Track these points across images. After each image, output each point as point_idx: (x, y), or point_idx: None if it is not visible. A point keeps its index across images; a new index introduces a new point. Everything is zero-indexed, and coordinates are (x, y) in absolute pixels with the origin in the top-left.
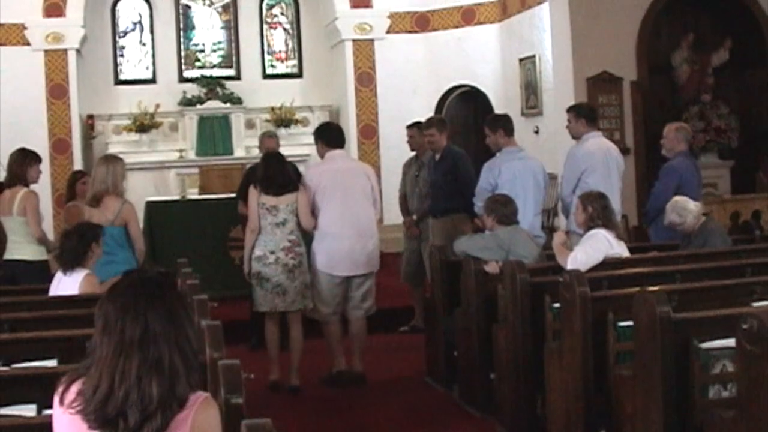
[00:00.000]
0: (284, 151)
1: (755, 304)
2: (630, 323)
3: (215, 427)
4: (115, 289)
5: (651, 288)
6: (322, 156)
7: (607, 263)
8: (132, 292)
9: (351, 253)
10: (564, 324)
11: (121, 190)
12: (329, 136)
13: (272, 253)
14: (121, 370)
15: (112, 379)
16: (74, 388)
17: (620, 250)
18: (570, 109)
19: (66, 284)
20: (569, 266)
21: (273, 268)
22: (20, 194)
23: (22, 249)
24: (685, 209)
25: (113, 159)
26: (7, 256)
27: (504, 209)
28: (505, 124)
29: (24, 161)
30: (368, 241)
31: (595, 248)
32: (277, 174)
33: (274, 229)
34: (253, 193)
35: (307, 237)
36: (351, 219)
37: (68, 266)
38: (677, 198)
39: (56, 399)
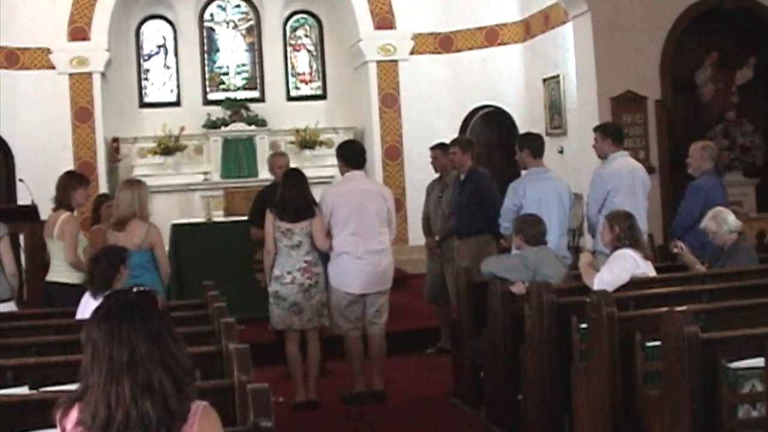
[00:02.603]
0: (308, 173)
1: None
2: (658, 343)
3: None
4: (98, 314)
5: (678, 308)
6: (342, 174)
7: (634, 283)
8: (115, 316)
9: (363, 271)
10: (591, 344)
11: (147, 214)
12: (349, 155)
13: (289, 273)
14: (115, 395)
15: (108, 404)
16: (72, 415)
17: (647, 269)
18: (596, 129)
19: (94, 307)
20: (596, 286)
21: (290, 288)
22: (61, 219)
23: (61, 272)
24: (725, 220)
25: (137, 183)
26: (48, 278)
27: (532, 229)
28: (532, 144)
29: (68, 185)
30: (381, 260)
31: (622, 268)
32: (293, 199)
33: (290, 251)
34: (269, 216)
35: (324, 256)
36: (364, 239)
37: (98, 290)
38: (721, 208)
39: (58, 426)
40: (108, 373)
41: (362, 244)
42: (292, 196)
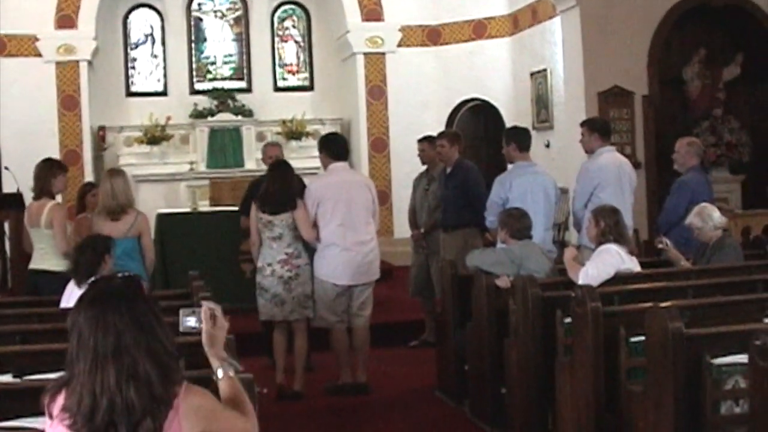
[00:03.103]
0: (294, 163)
1: (767, 320)
2: (642, 339)
3: (205, 405)
4: (83, 301)
5: (663, 303)
6: (325, 166)
7: (619, 278)
8: (100, 304)
9: (352, 263)
10: (575, 339)
11: (133, 201)
12: (333, 147)
13: (269, 265)
14: (100, 382)
15: (93, 391)
16: (59, 401)
17: (632, 265)
18: (583, 123)
19: (78, 296)
20: (581, 281)
21: (270, 280)
22: (47, 207)
23: (46, 260)
24: (710, 216)
25: (122, 172)
26: (32, 266)
27: (517, 223)
28: (518, 138)
29: (48, 172)
30: (369, 251)
31: (607, 263)
32: (276, 192)
33: (271, 243)
34: (253, 207)
35: (310, 249)
36: (352, 230)
37: (83, 279)
38: (706, 204)
39: (46, 411)
40: (93, 361)
41: (350, 236)
42: (275, 188)
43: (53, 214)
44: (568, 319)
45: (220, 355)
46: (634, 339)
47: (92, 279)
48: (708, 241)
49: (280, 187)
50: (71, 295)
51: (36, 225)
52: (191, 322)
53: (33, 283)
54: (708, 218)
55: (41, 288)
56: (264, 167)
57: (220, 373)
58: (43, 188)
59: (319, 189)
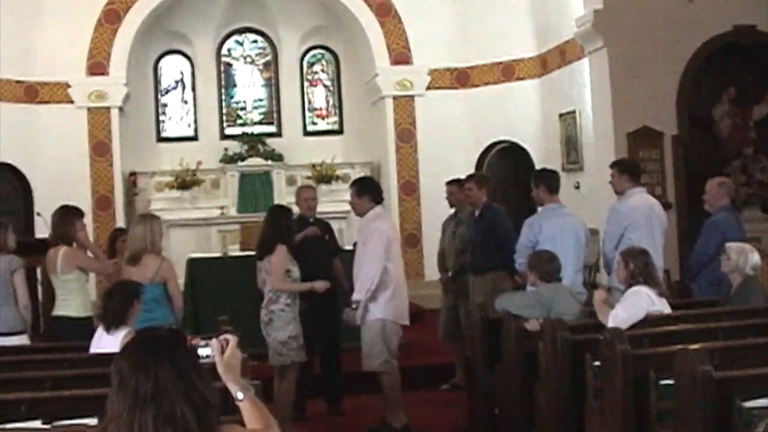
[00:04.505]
0: (325, 207)
1: None
2: (671, 381)
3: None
4: (127, 348)
5: (692, 346)
6: (363, 210)
7: (649, 320)
8: (143, 349)
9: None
10: (605, 382)
11: (159, 248)
12: (376, 191)
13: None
14: (138, 424)
15: None
16: None
17: (662, 306)
18: (613, 165)
19: (107, 342)
20: (610, 324)
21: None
22: (60, 253)
23: (66, 306)
24: (748, 257)
25: (150, 217)
26: (54, 312)
27: (547, 266)
28: (547, 180)
29: (64, 219)
30: None
31: (637, 305)
32: (260, 237)
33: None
34: None
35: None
36: (403, 272)
37: (112, 326)
38: (745, 245)
39: None
40: (133, 403)
41: (404, 277)
42: (261, 234)
43: (68, 260)
44: (597, 362)
45: (237, 380)
46: (663, 382)
47: (121, 325)
48: (736, 282)
49: (262, 233)
50: (100, 341)
51: (54, 272)
52: (203, 352)
53: (54, 329)
54: (747, 259)
55: (62, 334)
56: (297, 211)
57: (240, 396)
58: (59, 235)
59: (390, 230)
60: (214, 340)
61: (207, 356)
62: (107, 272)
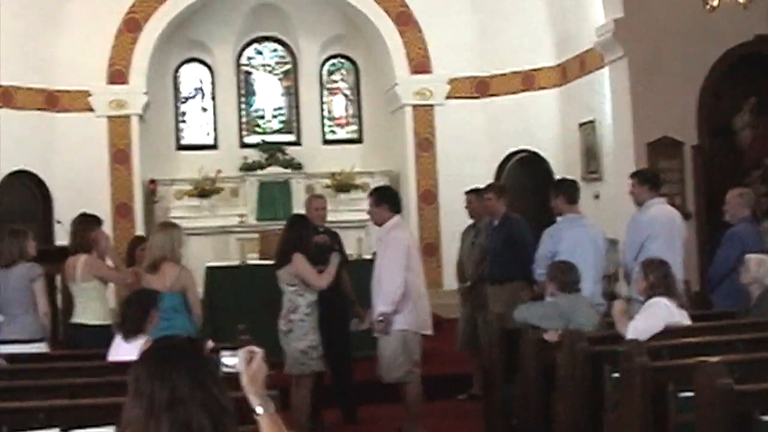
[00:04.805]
0: (344, 216)
1: None
2: (691, 394)
3: None
4: (144, 356)
5: (712, 358)
6: (382, 219)
7: (668, 332)
8: (159, 357)
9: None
10: (623, 394)
11: (179, 257)
12: (395, 201)
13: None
14: (153, 431)
15: None
16: None
17: (681, 318)
18: (633, 175)
19: (125, 350)
20: (629, 335)
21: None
22: (80, 261)
23: (84, 314)
24: (766, 268)
25: (170, 226)
26: (73, 320)
27: (566, 276)
28: (567, 190)
29: (83, 227)
30: None
31: (656, 316)
32: (276, 247)
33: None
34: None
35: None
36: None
37: (130, 334)
38: (764, 257)
39: None
40: (148, 411)
41: (425, 286)
42: (277, 244)
43: (88, 268)
44: (616, 374)
45: (260, 393)
46: (683, 394)
47: (139, 333)
48: (756, 294)
49: (281, 242)
50: (118, 349)
51: (72, 280)
52: (229, 362)
53: (73, 337)
54: (766, 270)
55: (80, 341)
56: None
57: (260, 410)
58: (78, 243)
59: (409, 239)
60: (240, 351)
61: (232, 366)
62: (126, 283)
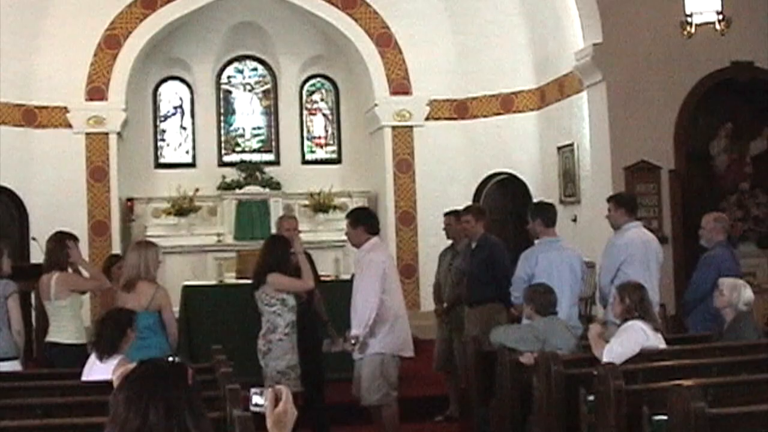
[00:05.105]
0: (322, 236)
1: None
2: (665, 417)
3: None
4: (125, 381)
5: (686, 382)
6: (359, 241)
7: (643, 355)
8: (137, 386)
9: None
10: (598, 417)
11: (154, 276)
12: (373, 222)
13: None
14: None
15: None
16: None
17: (657, 341)
18: (610, 199)
19: (99, 369)
20: (605, 358)
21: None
22: (53, 279)
23: (61, 332)
24: (741, 293)
25: (146, 244)
26: (48, 338)
27: (543, 299)
28: (544, 214)
29: (57, 244)
30: None
31: (632, 340)
32: (254, 269)
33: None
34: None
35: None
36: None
37: (105, 353)
38: (738, 281)
39: None
40: None
41: (404, 308)
42: (256, 263)
43: (61, 285)
44: (591, 397)
45: None
46: (657, 417)
47: (114, 353)
48: (729, 317)
49: (258, 263)
50: (92, 368)
51: (47, 298)
52: (258, 400)
53: (47, 355)
54: (740, 294)
55: (55, 360)
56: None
57: None
58: (53, 261)
59: (386, 261)
60: (268, 390)
61: (261, 405)
62: (104, 288)
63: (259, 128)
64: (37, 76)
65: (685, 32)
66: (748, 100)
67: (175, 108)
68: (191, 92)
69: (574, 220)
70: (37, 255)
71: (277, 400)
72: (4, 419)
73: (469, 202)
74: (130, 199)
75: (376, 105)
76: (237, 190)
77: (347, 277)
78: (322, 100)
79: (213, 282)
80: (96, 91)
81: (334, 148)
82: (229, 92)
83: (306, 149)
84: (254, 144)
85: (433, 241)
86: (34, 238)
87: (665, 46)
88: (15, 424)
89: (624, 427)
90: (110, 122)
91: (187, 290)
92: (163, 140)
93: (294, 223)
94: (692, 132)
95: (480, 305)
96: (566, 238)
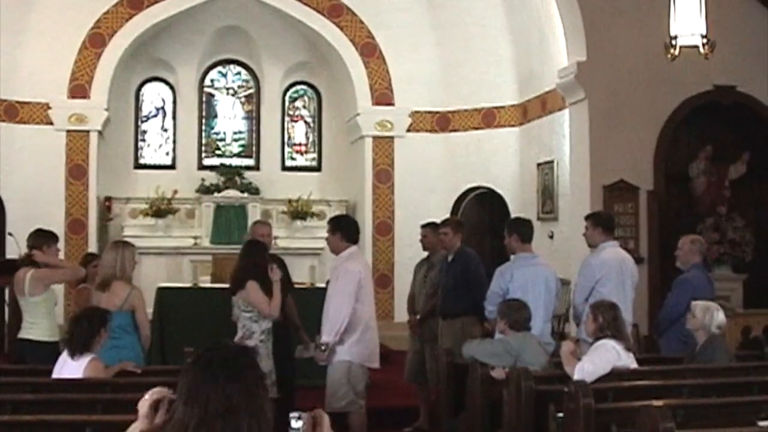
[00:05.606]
0: (299, 243)
1: (761, 423)
2: None
3: None
4: (200, 361)
5: (656, 402)
6: (338, 248)
7: (614, 374)
8: (217, 366)
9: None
10: None
11: (129, 276)
12: (351, 230)
13: None
14: None
15: None
16: None
17: (628, 361)
18: (588, 217)
19: (70, 367)
20: (576, 376)
21: None
22: (29, 275)
23: (32, 329)
24: (714, 316)
25: (123, 244)
26: (20, 335)
27: (517, 314)
28: (520, 229)
29: (36, 242)
30: None
31: (603, 359)
32: (232, 274)
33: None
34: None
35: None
36: (374, 314)
37: (77, 352)
38: (711, 303)
39: None
40: (201, 418)
41: (374, 319)
42: (234, 268)
43: (35, 281)
44: (560, 414)
45: None
46: None
47: (86, 352)
48: (701, 340)
49: (236, 268)
50: (64, 366)
51: (22, 294)
52: (296, 425)
53: (19, 352)
54: (712, 317)
55: (27, 357)
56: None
57: None
58: (29, 257)
59: (362, 271)
60: (306, 414)
61: (296, 429)
62: (80, 276)
63: (240, 133)
64: (20, 72)
65: (669, 54)
66: (729, 124)
67: (157, 109)
68: (174, 94)
69: (551, 237)
70: (13, 250)
71: (315, 425)
72: None
73: (448, 215)
74: (108, 199)
75: (358, 114)
76: (216, 194)
77: (322, 285)
78: (304, 107)
79: (188, 285)
80: (79, 89)
81: (315, 155)
82: (212, 96)
83: (286, 156)
84: (235, 148)
85: (409, 252)
86: (10, 234)
87: (649, 66)
88: None
89: None
90: (92, 121)
91: (162, 292)
92: (143, 141)
93: (267, 228)
94: (672, 153)
95: (454, 318)
96: (542, 255)
